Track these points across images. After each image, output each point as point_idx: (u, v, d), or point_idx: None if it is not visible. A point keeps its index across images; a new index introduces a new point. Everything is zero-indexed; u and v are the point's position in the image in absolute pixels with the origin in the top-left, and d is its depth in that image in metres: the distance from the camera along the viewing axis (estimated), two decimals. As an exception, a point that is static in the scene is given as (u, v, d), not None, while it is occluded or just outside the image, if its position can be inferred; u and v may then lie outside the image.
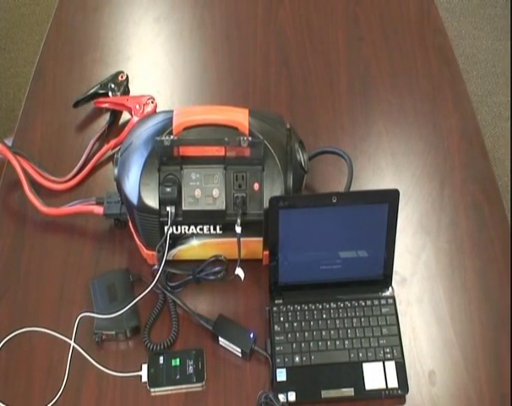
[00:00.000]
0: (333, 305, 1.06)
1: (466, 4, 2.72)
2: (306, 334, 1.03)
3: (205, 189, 1.02)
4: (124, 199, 1.05)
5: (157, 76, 1.42)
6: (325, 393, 1.00)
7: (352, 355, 1.02)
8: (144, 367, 1.01)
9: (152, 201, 1.01)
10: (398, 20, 1.46)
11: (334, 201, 1.01)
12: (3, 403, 1.00)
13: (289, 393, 0.99)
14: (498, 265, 1.14)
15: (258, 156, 1.01)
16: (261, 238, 1.06)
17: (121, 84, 1.32)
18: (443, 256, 1.15)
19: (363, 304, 1.06)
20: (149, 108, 1.25)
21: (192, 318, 1.06)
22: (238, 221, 1.01)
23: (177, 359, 1.02)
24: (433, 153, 1.28)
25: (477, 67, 2.55)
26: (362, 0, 1.53)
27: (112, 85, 1.32)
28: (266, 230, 1.03)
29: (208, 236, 1.06)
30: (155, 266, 1.06)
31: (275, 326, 1.04)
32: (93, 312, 1.05)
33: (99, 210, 1.14)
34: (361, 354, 1.02)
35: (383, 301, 1.06)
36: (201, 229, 1.04)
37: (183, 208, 1.02)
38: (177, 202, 1.01)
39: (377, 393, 1.00)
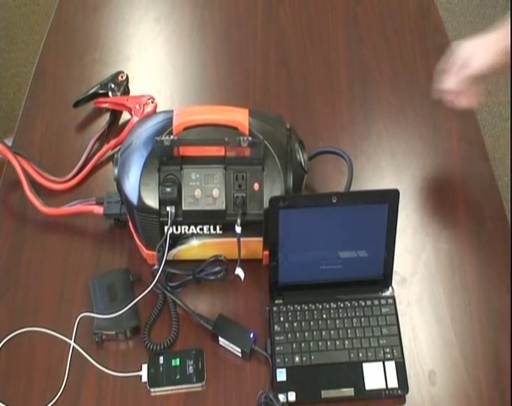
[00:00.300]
0: (333, 305, 1.06)
1: (466, 4, 2.72)
2: (306, 334, 1.03)
3: (205, 189, 1.02)
4: (124, 199, 1.05)
5: (157, 76, 1.42)
6: (325, 393, 1.00)
7: (352, 355, 1.02)
8: (144, 367, 1.01)
9: (152, 201, 1.01)
10: (398, 20, 1.46)
11: (334, 201, 1.01)
12: (3, 403, 1.00)
13: (289, 393, 0.99)
14: (498, 265, 1.14)
15: (258, 156, 1.01)
16: (261, 238, 1.06)
17: (121, 84, 1.32)
18: (443, 256, 1.15)
19: (363, 304, 1.06)
20: (149, 108, 1.25)
21: (192, 318, 1.06)
22: (238, 221, 1.01)
23: (177, 359, 1.02)
24: (433, 153, 1.28)
25: (477, 67, 2.54)
26: (362, 0, 1.53)
27: (112, 85, 1.32)
28: (266, 230, 1.03)
29: (208, 236, 1.06)
30: (155, 266, 1.06)
31: (275, 326, 1.04)
32: (93, 312, 1.05)
33: (99, 210, 1.14)
34: (361, 354, 1.02)
35: (383, 301, 1.06)
36: (201, 229, 1.04)
37: (183, 208, 1.02)
38: (177, 202, 1.01)
39: (377, 393, 1.00)
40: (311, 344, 1.03)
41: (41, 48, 1.45)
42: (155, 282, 1.03)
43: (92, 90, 1.32)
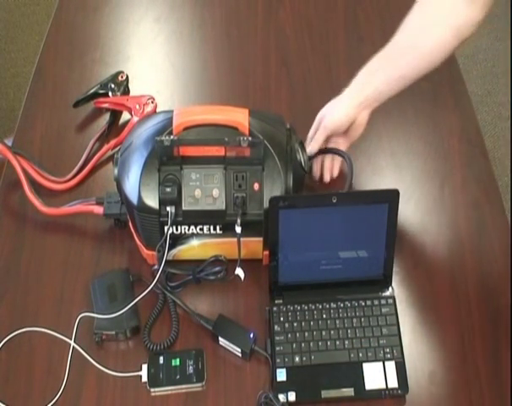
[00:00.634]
0: (333, 305, 1.06)
1: (466, 4, 2.71)
2: (306, 334, 1.03)
3: (205, 189, 1.02)
4: (124, 199, 1.05)
5: (157, 76, 1.42)
6: (325, 393, 0.99)
7: (352, 355, 1.02)
8: (144, 367, 1.01)
9: (152, 201, 1.01)
10: (398, 20, 1.46)
11: (335, 201, 1.01)
12: (3, 403, 1.00)
13: (289, 393, 0.99)
14: (498, 265, 1.14)
15: (258, 156, 1.01)
16: (261, 238, 1.06)
17: (121, 84, 1.32)
18: (443, 256, 1.15)
19: (363, 304, 1.06)
20: (149, 108, 1.25)
21: (192, 318, 1.06)
22: (238, 221, 1.01)
23: (177, 359, 1.02)
24: (433, 153, 1.28)
25: (477, 67, 2.55)
26: (362, 0, 1.53)
27: (112, 85, 1.32)
28: (266, 230, 1.03)
29: (208, 236, 1.05)
30: (155, 266, 1.06)
31: (275, 326, 1.04)
32: (93, 312, 1.05)
33: (99, 210, 1.14)
34: (361, 354, 1.02)
35: (383, 301, 1.06)
36: (201, 229, 1.04)
37: (183, 208, 1.02)
38: (177, 202, 1.01)
39: (377, 393, 1.00)
40: (311, 344, 1.03)
41: (41, 48, 1.45)
42: (155, 282, 1.03)
43: (92, 90, 1.32)
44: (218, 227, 1.04)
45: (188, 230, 1.04)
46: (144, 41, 1.48)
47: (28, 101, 1.36)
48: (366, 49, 1.40)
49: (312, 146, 1.15)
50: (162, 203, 1.01)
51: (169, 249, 1.04)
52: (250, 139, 0.99)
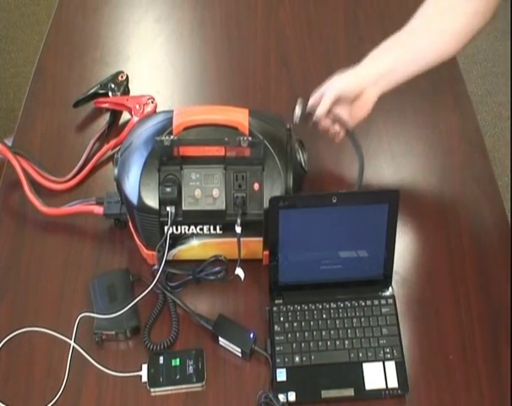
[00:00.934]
0: (333, 305, 1.06)
1: (466, 4, 2.72)
2: (306, 334, 1.03)
3: (205, 189, 1.02)
4: (124, 199, 1.05)
5: (157, 76, 1.42)
6: (325, 393, 0.99)
7: (352, 355, 1.02)
8: (144, 367, 1.01)
9: (152, 201, 1.01)
10: (398, 20, 1.46)
11: (335, 201, 1.01)
12: (3, 403, 1.00)
13: (289, 393, 0.99)
14: (498, 264, 1.14)
15: (258, 156, 1.01)
16: (261, 238, 1.06)
17: (121, 84, 1.32)
18: (443, 256, 1.15)
19: (363, 304, 1.06)
20: (149, 108, 1.25)
21: (192, 318, 1.06)
22: (238, 221, 1.01)
23: (177, 359, 1.02)
24: (433, 153, 1.28)
25: (477, 67, 2.55)
26: (362, 0, 1.53)
27: (112, 85, 1.32)
28: (266, 230, 1.03)
29: (208, 236, 1.05)
30: (155, 266, 1.06)
31: (275, 326, 1.04)
32: (93, 312, 1.05)
33: (99, 210, 1.14)
34: (361, 354, 1.02)
35: (383, 301, 1.06)
36: (201, 229, 1.04)
37: (183, 208, 1.02)
38: (177, 202, 1.01)
39: (377, 393, 1.00)
40: (311, 344, 1.03)
41: (41, 48, 1.45)
42: (155, 282, 1.03)
43: (92, 90, 1.32)
44: (218, 227, 1.04)
45: (188, 230, 1.04)
46: (144, 41, 1.48)
47: (28, 101, 1.36)
48: (366, 49, 1.40)
49: (319, 110, 1.12)
50: (162, 203, 1.01)
51: (169, 249, 1.04)
52: (250, 139, 0.99)
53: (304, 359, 1.01)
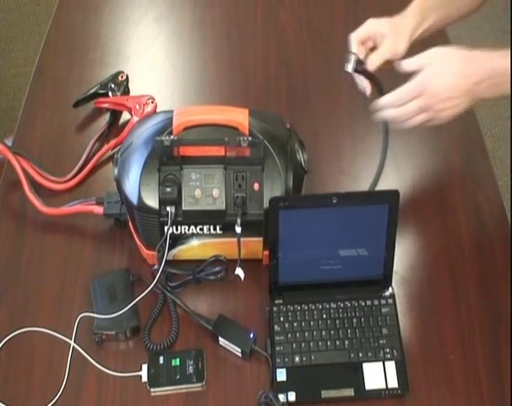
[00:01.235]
0: (333, 305, 1.06)
1: (466, 4, 2.71)
2: (306, 334, 1.03)
3: (205, 189, 1.02)
4: (124, 199, 1.05)
5: (157, 76, 1.42)
6: (325, 393, 0.99)
7: (352, 355, 1.02)
8: (144, 367, 1.01)
9: (152, 201, 1.01)
10: (398, 20, 1.46)
11: (335, 202, 1.01)
12: (3, 403, 1.00)
13: (289, 393, 0.99)
14: (498, 264, 1.14)
15: (258, 156, 1.01)
16: (261, 238, 1.06)
17: (121, 84, 1.32)
18: (443, 256, 1.15)
19: (363, 304, 1.06)
20: (149, 108, 1.25)
21: (192, 318, 1.06)
22: (238, 221, 1.01)
23: (177, 359, 1.02)
24: (433, 153, 1.28)
25: (477, 67, 2.54)
26: (361, 0, 1.53)
27: (112, 85, 1.32)
28: (266, 230, 1.03)
29: (208, 236, 1.05)
30: (155, 266, 1.06)
31: (275, 326, 1.04)
32: (93, 312, 1.05)
33: (99, 210, 1.14)
34: (361, 354, 1.02)
35: (383, 301, 1.06)
36: (201, 229, 1.04)
37: (183, 208, 1.02)
38: (177, 202, 1.01)
39: (377, 393, 1.00)
40: (311, 344, 1.03)
41: (41, 48, 1.45)
42: (155, 282, 1.03)
43: (92, 90, 1.32)
44: (218, 227, 1.04)
45: (188, 230, 1.04)
46: (144, 41, 1.48)
47: (28, 101, 1.36)
48: (366, 49, 1.39)
49: (372, 61, 1.17)
50: (162, 203, 1.01)
51: (169, 249, 1.04)
52: (250, 139, 0.99)
53: (304, 359, 1.01)
